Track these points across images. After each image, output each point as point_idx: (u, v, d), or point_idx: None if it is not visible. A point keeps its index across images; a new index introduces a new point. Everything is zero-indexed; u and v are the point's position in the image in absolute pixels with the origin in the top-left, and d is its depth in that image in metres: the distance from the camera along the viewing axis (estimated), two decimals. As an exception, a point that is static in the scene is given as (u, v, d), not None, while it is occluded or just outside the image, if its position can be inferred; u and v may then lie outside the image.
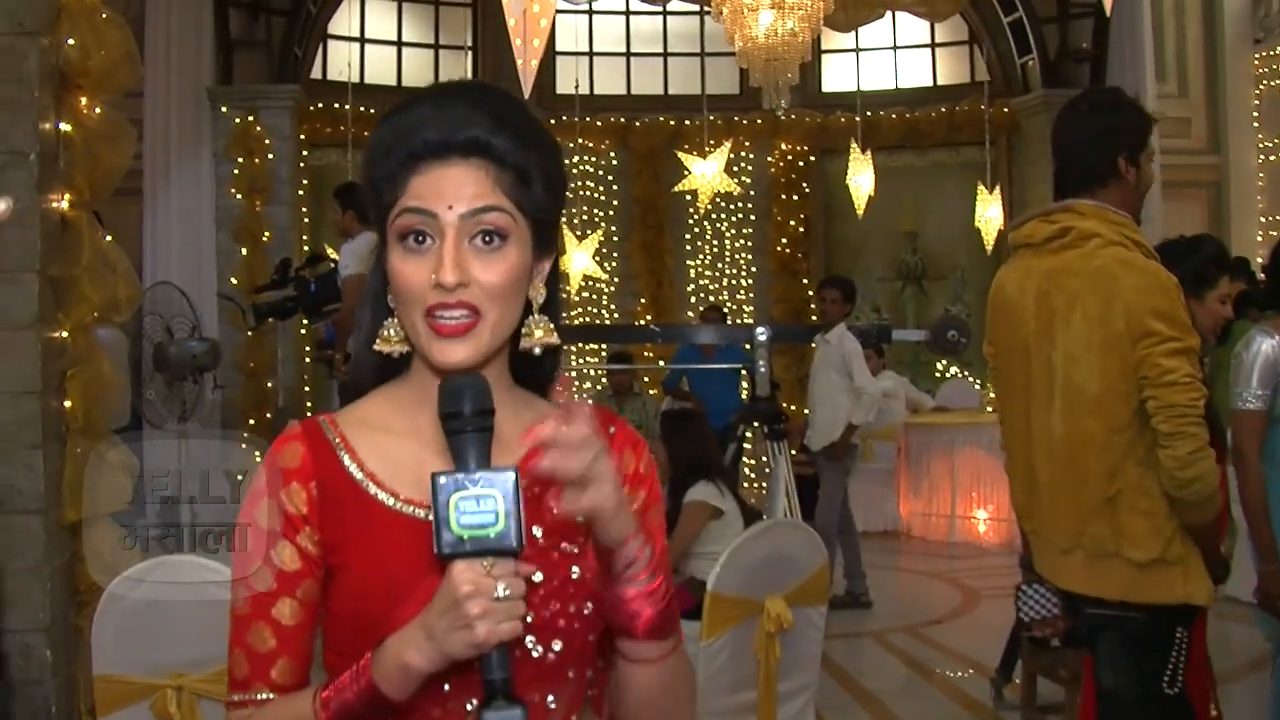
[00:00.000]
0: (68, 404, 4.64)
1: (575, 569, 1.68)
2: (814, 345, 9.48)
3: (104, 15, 4.72)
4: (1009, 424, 3.80)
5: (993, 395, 3.94)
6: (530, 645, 1.62)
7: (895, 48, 15.72)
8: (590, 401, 1.85)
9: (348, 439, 1.71)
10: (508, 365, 1.76)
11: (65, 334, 4.61)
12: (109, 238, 4.88)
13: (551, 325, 1.74)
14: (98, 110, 4.75)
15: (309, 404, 12.79)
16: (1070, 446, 3.53)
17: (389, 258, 1.67)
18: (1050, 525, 3.63)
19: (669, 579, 1.66)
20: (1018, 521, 3.95)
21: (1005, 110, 14.64)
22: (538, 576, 1.60)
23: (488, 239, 1.64)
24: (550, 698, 1.68)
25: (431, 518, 1.47)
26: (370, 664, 1.56)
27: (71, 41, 4.60)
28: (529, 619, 1.52)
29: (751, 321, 14.37)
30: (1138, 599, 3.44)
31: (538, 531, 1.67)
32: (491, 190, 1.64)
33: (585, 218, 14.87)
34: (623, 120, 15.16)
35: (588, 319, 15.11)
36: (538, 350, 1.73)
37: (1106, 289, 3.47)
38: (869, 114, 14.67)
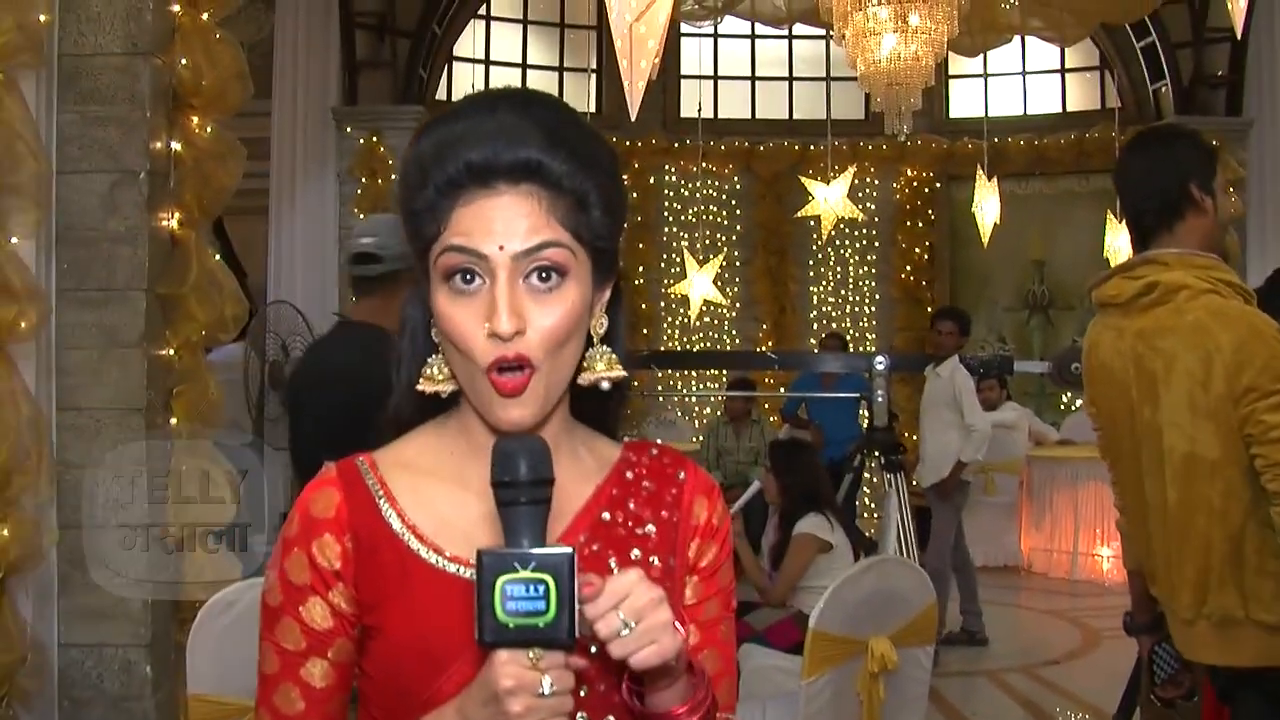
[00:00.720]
0: (174, 421, 4.67)
1: None
2: (925, 377, 9.31)
3: (217, 35, 4.78)
4: (1124, 490, 3.61)
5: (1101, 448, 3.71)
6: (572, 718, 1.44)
7: (1024, 73, 15.49)
8: (658, 443, 1.73)
9: (388, 485, 1.56)
10: (568, 402, 1.59)
11: (172, 352, 4.64)
12: (217, 256, 4.91)
13: (615, 357, 1.56)
14: (209, 129, 4.80)
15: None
16: (1185, 515, 3.33)
17: (434, 297, 1.50)
18: (1170, 596, 3.41)
19: (710, 693, 1.52)
20: (1145, 583, 3.66)
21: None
22: (595, 647, 1.46)
23: (544, 276, 1.46)
24: None
25: (476, 597, 1.33)
26: None
27: (184, 61, 4.65)
28: (583, 692, 1.41)
29: (874, 349, 14.21)
30: (1274, 663, 3.23)
31: (635, 554, 1.57)
32: (546, 222, 1.46)
33: (708, 242, 14.82)
34: (747, 144, 15.10)
35: (709, 344, 15.06)
36: (604, 385, 1.56)
37: (1204, 346, 3.26)
38: (996, 140, 14.44)
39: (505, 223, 1.46)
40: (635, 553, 1.58)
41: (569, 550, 1.34)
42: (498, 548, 1.35)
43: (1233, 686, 3.40)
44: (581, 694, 1.41)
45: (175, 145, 4.66)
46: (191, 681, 3.94)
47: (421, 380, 1.56)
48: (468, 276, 1.47)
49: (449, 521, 1.55)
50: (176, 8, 4.65)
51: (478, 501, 1.51)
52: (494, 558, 1.33)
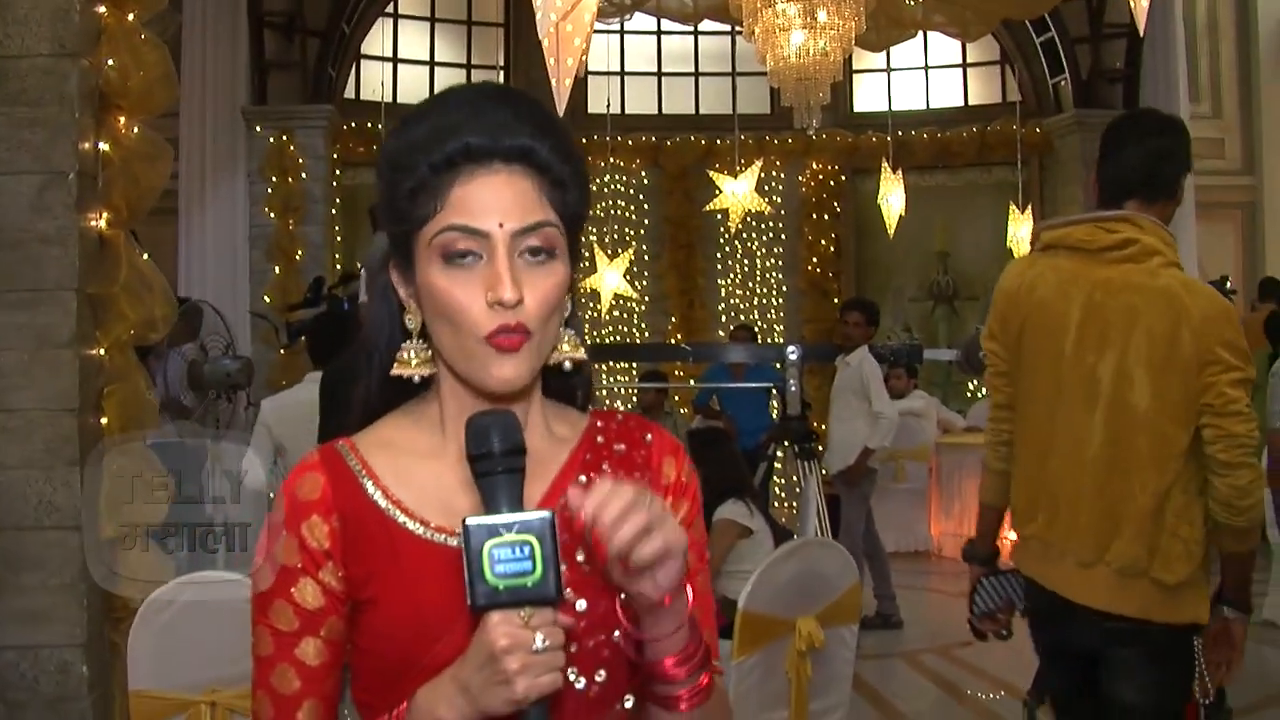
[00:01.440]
0: (104, 421, 4.67)
1: (622, 595, 1.57)
2: (836, 367, 9.46)
3: (143, 36, 4.77)
4: (1024, 425, 3.68)
5: (987, 392, 3.78)
6: (573, 677, 1.52)
7: (927, 68, 15.74)
8: (623, 409, 1.83)
9: (369, 464, 1.61)
10: (540, 378, 1.66)
11: (103, 352, 4.64)
12: (146, 256, 4.91)
13: (576, 339, 1.65)
14: (136, 130, 4.79)
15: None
16: (1111, 461, 3.45)
17: (425, 274, 1.56)
18: (1070, 537, 3.52)
19: (703, 642, 1.57)
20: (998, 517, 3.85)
21: (1037, 130, 14.63)
22: (581, 604, 1.55)
23: (535, 252, 1.55)
24: None
25: (465, 563, 1.39)
26: (405, 715, 1.50)
27: (111, 62, 4.64)
28: (572, 648, 1.47)
29: (782, 341, 14.36)
30: (1158, 618, 3.42)
31: (580, 555, 1.58)
32: (538, 203, 1.55)
33: (616, 237, 14.90)
34: (654, 139, 15.20)
35: (619, 338, 15.13)
36: (568, 365, 1.63)
37: (1174, 310, 3.40)
38: (900, 134, 14.67)
39: (504, 202, 1.53)
40: None
41: (549, 513, 1.41)
42: (481, 516, 1.41)
43: (1112, 642, 3.50)
44: (571, 650, 1.47)
45: (103, 146, 4.64)
46: (132, 678, 3.96)
47: (396, 366, 1.63)
48: (464, 254, 1.53)
49: (430, 494, 1.61)
50: (103, 9, 4.64)
51: (455, 474, 1.59)
52: (479, 525, 1.39)
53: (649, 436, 1.74)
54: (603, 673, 1.58)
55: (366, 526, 1.58)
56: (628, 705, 1.62)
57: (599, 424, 1.74)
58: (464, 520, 1.40)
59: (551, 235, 1.56)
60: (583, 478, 1.66)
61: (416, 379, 1.63)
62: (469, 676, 1.42)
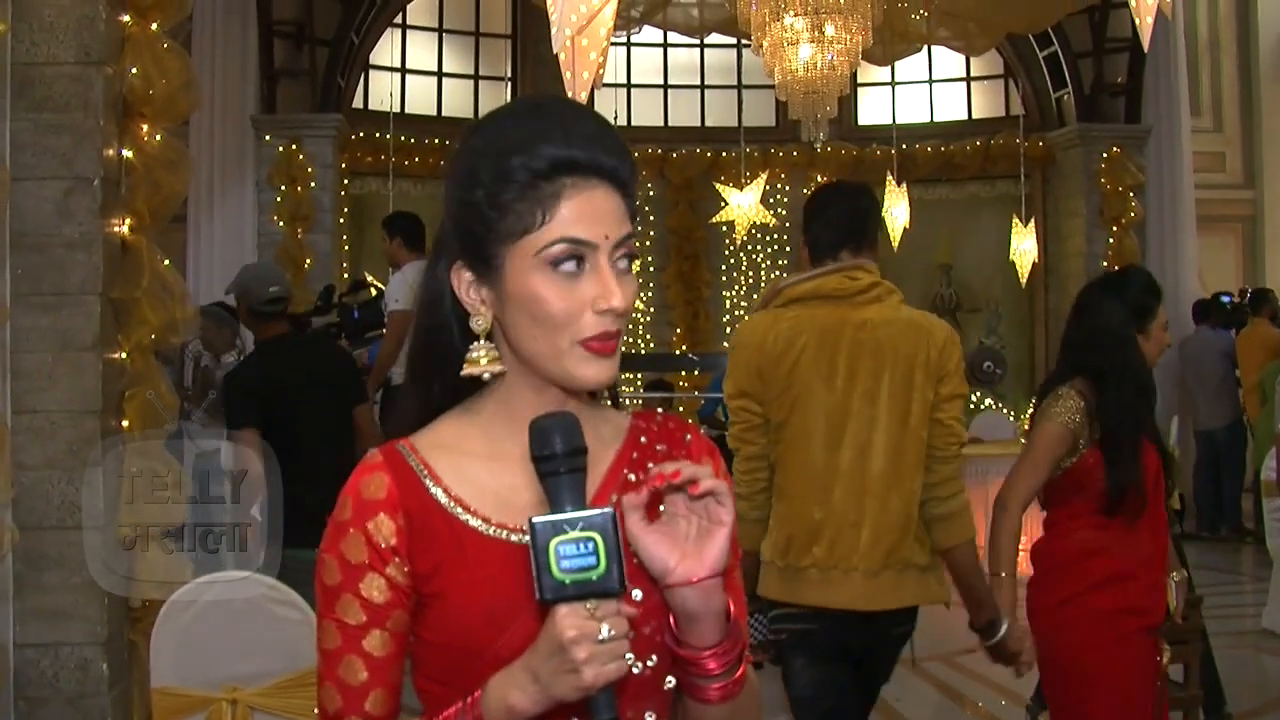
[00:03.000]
0: (125, 423, 4.73)
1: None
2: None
3: (165, 45, 4.83)
4: (798, 468, 3.88)
5: (745, 437, 3.96)
6: (630, 662, 1.53)
7: (931, 81, 15.81)
8: (661, 411, 1.89)
9: (430, 465, 1.67)
10: None
11: (125, 355, 4.70)
12: (166, 261, 4.98)
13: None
14: (158, 137, 4.86)
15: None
16: (890, 479, 3.81)
17: (525, 283, 1.61)
18: (854, 554, 3.79)
19: (740, 639, 1.65)
20: (782, 556, 3.94)
21: (1040, 144, 14.70)
22: (637, 594, 1.60)
23: (622, 261, 1.63)
24: (649, 714, 1.68)
25: (531, 559, 1.46)
26: (479, 701, 1.55)
27: (135, 70, 4.71)
28: (629, 634, 1.52)
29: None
30: (923, 600, 3.85)
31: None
32: (624, 215, 1.63)
33: (622, 248, 14.92)
34: (660, 151, 15.28)
35: (624, 348, 15.14)
36: None
37: (921, 337, 3.86)
38: (904, 147, 14.72)
39: (607, 214, 1.61)
40: (663, 508, 1.69)
41: (610, 510, 1.48)
42: (546, 515, 1.47)
43: (878, 642, 3.93)
44: (629, 636, 1.52)
45: (127, 153, 4.71)
46: (154, 675, 4.02)
47: (466, 365, 1.68)
48: (569, 261, 1.59)
49: (489, 492, 1.67)
50: (127, 18, 4.71)
51: (513, 471, 1.65)
52: (545, 524, 1.46)
53: (689, 437, 1.81)
54: (654, 657, 1.65)
55: (431, 523, 1.64)
56: (669, 685, 1.68)
57: (641, 424, 1.81)
58: (530, 519, 1.47)
59: (634, 245, 1.66)
60: (631, 476, 1.73)
61: (486, 378, 1.68)
62: (539, 665, 1.49)
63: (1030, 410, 4.50)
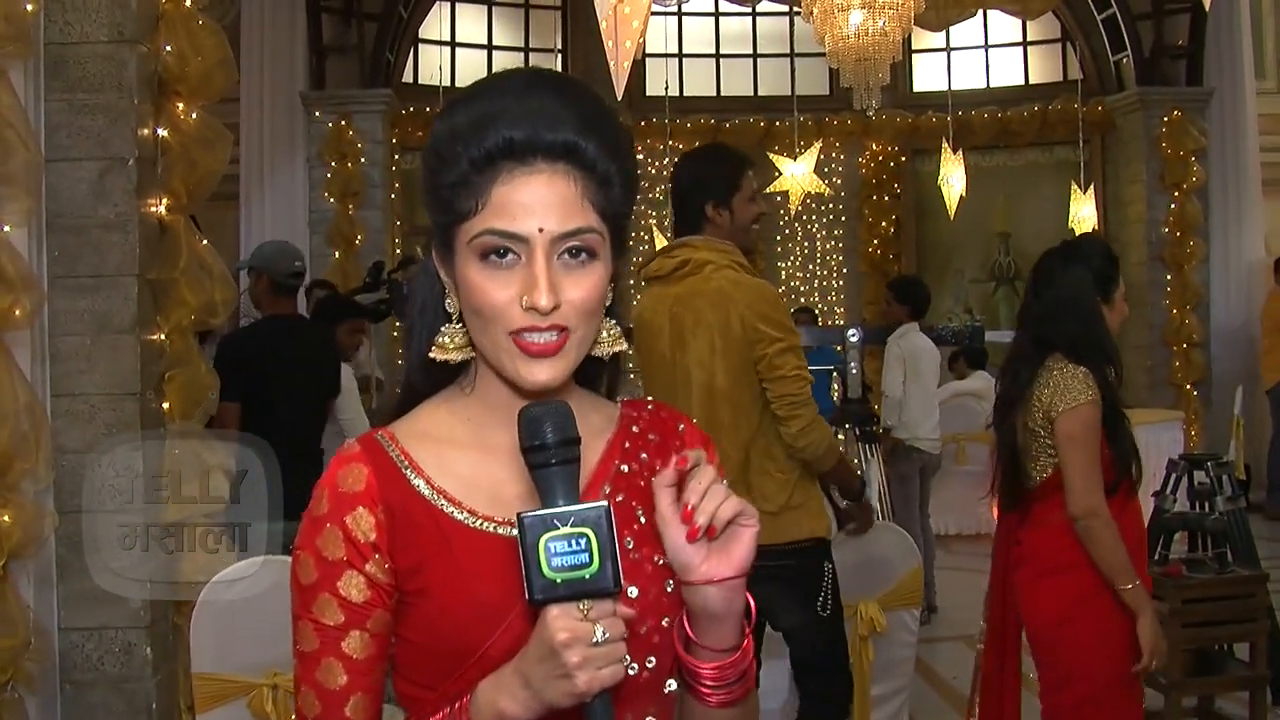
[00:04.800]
0: (165, 405, 4.70)
1: (670, 582, 1.59)
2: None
3: (200, 22, 4.78)
4: None
5: None
6: (625, 663, 1.46)
7: (987, 46, 15.59)
8: (652, 399, 1.80)
9: (411, 455, 1.60)
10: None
11: (164, 336, 4.67)
12: (205, 241, 4.94)
13: (618, 331, 1.65)
14: (194, 116, 4.81)
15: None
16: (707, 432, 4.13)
17: (462, 269, 1.55)
18: None
19: (749, 652, 1.59)
20: None
21: (1099, 109, 14.47)
22: (632, 591, 1.54)
23: (574, 254, 1.53)
24: (648, 717, 1.61)
25: (520, 556, 1.39)
26: (468, 707, 1.49)
27: (169, 48, 4.66)
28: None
29: (843, 323, 14.29)
30: (774, 541, 4.12)
31: (629, 542, 1.59)
32: (580, 205, 1.52)
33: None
34: (713, 122, 15.14)
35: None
36: (606, 355, 1.65)
37: (724, 304, 4.31)
38: (960, 114, 14.55)
39: (545, 204, 1.50)
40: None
41: (604, 504, 1.41)
42: (536, 509, 1.40)
43: (758, 584, 3.96)
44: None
45: (162, 132, 4.66)
46: (195, 661, 4.00)
47: (434, 349, 1.62)
48: (503, 253, 1.52)
49: (475, 484, 1.60)
50: (160, -6, 4.67)
51: (500, 463, 1.60)
52: (535, 519, 1.39)
53: (682, 427, 1.75)
54: (653, 659, 1.59)
55: (413, 517, 1.56)
56: (670, 689, 1.63)
57: (632, 413, 1.75)
58: (519, 514, 1.40)
59: (593, 240, 1.54)
60: (624, 467, 1.66)
61: (456, 362, 1.63)
62: (530, 670, 1.42)
63: (998, 388, 4.41)
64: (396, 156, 13.84)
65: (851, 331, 8.45)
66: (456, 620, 1.53)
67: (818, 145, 13.99)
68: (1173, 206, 13.69)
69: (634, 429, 1.72)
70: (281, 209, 12.55)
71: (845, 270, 15.41)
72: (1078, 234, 13.58)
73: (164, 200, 4.68)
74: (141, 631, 4.56)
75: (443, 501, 1.58)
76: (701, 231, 4.44)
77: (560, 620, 1.38)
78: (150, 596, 4.55)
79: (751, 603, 1.55)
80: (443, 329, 1.62)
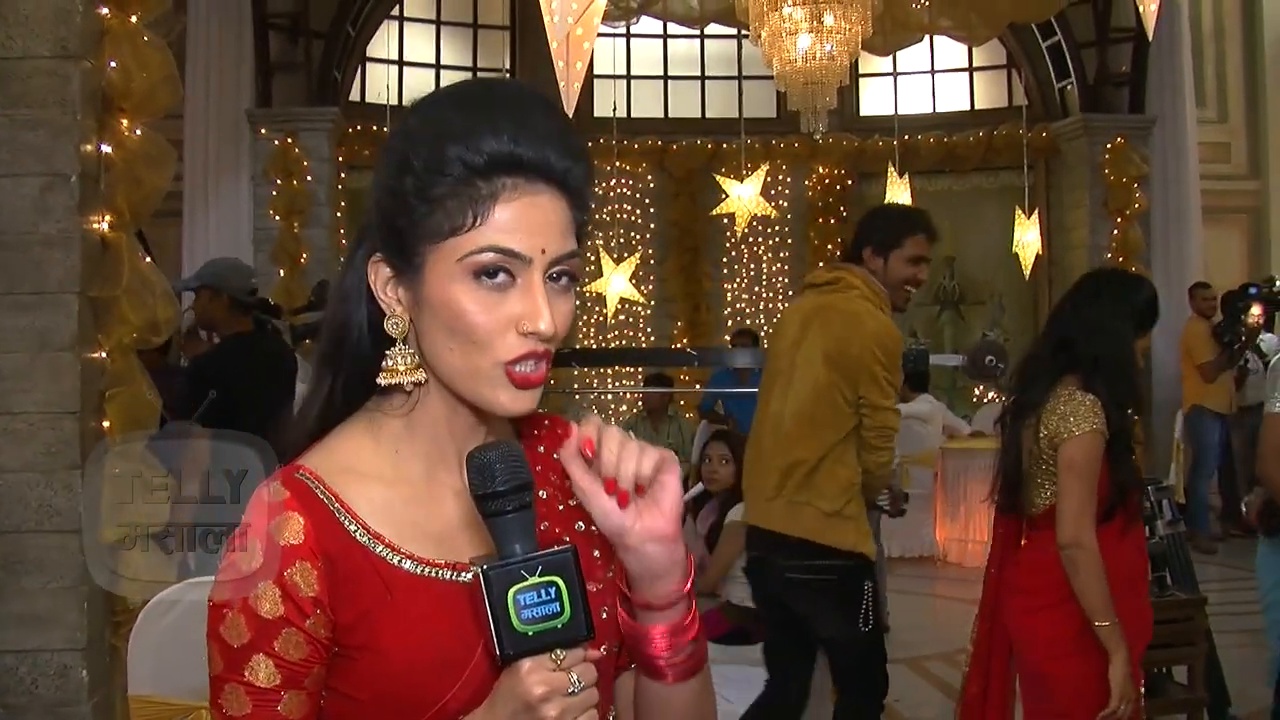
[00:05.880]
0: (106, 424, 4.64)
1: (611, 570, 1.57)
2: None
3: (145, 38, 4.74)
4: (757, 411, 4.99)
5: None
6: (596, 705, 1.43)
7: (933, 71, 15.71)
8: (542, 412, 1.67)
9: (340, 496, 1.49)
10: None
11: (105, 355, 4.62)
12: (148, 259, 4.89)
13: None
14: (139, 132, 4.77)
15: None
16: (791, 426, 4.73)
17: (443, 289, 1.45)
18: (762, 479, 4.81)
19: (697, 619, 1.54)
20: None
21: (1043, 134, 14.60)
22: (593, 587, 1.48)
23: (558, 278, 1.47)
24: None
25: (486, 612, 1.32)
26: None
27: (114, 64, 4.62)
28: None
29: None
30: (822, 540, 4.60)
31: (580, 526, 1.58)
32: (568, 229, 1.47)
33: (622, 240, 14.88)
34: (660, 143, 15.18)
35: (624, 342, 15.11)
36: None
37: (853, 325, 4.68)
38: (906, 138, 14.65)
39: (547, 226, 1.44)
40: (580, 525, 1.60)
41: (570, 548, 1.35)
42: (497, 560, 1.34)
43: (795, 587, 4.74)
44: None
45: (106, 148, 4.62)
46: (132, 683, 3.93)
47: (383, 374, 1.52)
48: (496, 273, 1.44)
49: (408, 524, 1.52)
50: (105, 10, 4.61)
51: (432, 498, 1.54)
52: (500, 572, 1.32)
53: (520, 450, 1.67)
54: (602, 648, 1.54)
55: (352, 566, 1.47)
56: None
57: (531, 431, 1.68)
58: (483, 568, 1.33)
59: (575, 265, 1.49)
60: (543, 493, 1.61)
61: (409, 385, 1.53)
62: None
63: (1006, 401, 4.46)
64: (343, 175, 13.77)
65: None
66: (412, 673, 1.46)
67: (765, 168, 14.03)
68: (1115, 232, 13.81)
69: (540, 449, 1.66)
70: (226, 227, 12.46)
71: (791, 292, 15.44)
72: (1022, 259, 13.72)
73: (107, 217, 4.63)
74: (78, 654, 4.49)
75: (381, 548, 1.49)
76: (862, 266, 4.82)
77: (535, 675, 1.33)
78: (88, 618, 4.49)
79: (689, 556, 1.51)
80: (391, 351, 1.51)
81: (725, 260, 15.46)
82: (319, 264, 12.75)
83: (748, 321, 14.98)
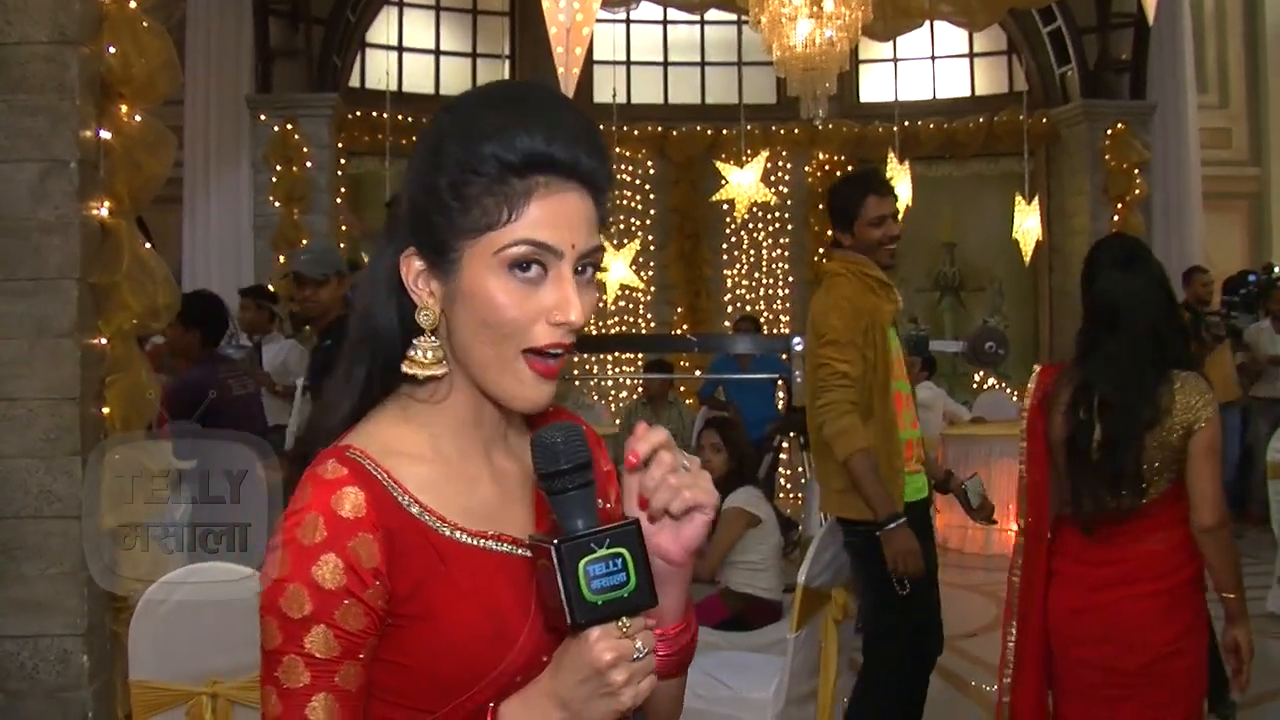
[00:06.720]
0: (106, 410, 4.65)
1: None
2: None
3: (145, 24, 4.74)
4: None
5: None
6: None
7: (933, 57, 15.68)
8: (554, 406, 1.70)
9: (391, 474, 1.53)
10: None
11: (104, 341, 4.62)
12: (148, 245, 4.89)
13: None
14: (138, 118, 4.76)
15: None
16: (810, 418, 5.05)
17: (478, 280, 1.51)
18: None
19: (692, 625, 1.63)
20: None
21: (1044, 121, 14.59)
22: None
23: (582, 271, 1.53)
24: None
25: (558, 583, 1.38)
26: None
27: (113, 50, 4.62)
28: None
29: (788, 331, 14.31)
30: (843, 514, 4.90)
31: (599, 503, 1.60)
32: (593, 225, 1.53)
33: (622, 227, 14.88)
34: (660, 129, 15.16)
35: (624, 328, 15.10)
36: None
37: (816, 303, 5.07)
38: (907, 124, 14.63)
39: (575, 223, 1.51)
40: (599, 501, 1.62)
41: (635, 521, 1.43)
42: (567, 535, 1.40)
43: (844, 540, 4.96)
44: None
45: (105, 134, 4.62)
46: (133, 669, 3.95)
47: (407, 364, 1.57)
48: (529, 266, 1.50)
49: (457, 501, 1.57)
50: (104, -4, 4.63)
51: (466, 476, 1.59)
52: (571, 545, 1.39)
53: (583, 430, 1.69)
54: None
55: (407, 538, 1.51)
56: None
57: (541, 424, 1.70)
58: (554, 542, 1.39)
59: (599, 258, 1.56)
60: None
61: (436, 377, 1.58)
62: (569, 692, 1.42)
63: (1105, 396, 4.03)
64: (343, 161, 13.77)
65: (796, 340, 8.43)
66: (470, 641, 1.50)
67: (764, 154, 14.01)
68: (1116, 219, 13.80)
69: None
70: (226, 213, 12.47)
71: (791, 279, 15.45)
72: (1022, 245, 13.70)
73: (106, 203, 4.63)
74: (78, 639, 4.51)
75: (433, 520, 1.53)
76: (843, 241, 5.08)
77: (603, 642, 1.39)
78: (88, 603, 4.50)
79: (690, 602, 1.59)
80: (417, 341, 1.57)
81: (725, 246, 15.45)
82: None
83: (748, 308, 14.97)
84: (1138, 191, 13.78)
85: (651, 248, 15.19)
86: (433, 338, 1.57)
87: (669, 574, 1.53)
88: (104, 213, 4.62)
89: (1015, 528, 4.22)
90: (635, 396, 13.45)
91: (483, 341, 1.52)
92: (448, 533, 1.53)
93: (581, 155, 1.49)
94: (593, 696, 1.40)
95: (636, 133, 14.94)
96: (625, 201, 15.14)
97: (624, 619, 1.40)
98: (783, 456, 10.91)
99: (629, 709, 1.41)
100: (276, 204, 12.82)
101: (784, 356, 9.33)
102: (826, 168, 15.24)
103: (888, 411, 4.89)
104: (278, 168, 12.85)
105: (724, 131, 14.94)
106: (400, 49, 14.78)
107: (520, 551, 1.53)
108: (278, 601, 1.46)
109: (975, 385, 14.57)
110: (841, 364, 4.81)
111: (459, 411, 1.60)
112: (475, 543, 1.54)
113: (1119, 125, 13.90)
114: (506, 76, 14.83)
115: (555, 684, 1.44)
